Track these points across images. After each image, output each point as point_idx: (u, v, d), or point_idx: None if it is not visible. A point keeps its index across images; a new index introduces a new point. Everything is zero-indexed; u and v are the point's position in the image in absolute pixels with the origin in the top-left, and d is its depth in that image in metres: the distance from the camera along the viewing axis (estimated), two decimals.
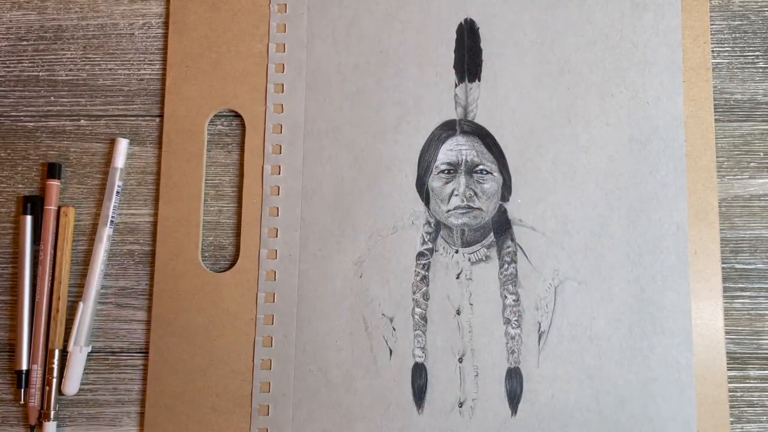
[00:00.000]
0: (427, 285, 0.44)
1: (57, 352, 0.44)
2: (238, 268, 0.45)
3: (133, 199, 0.46)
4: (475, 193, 0.45)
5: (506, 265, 0.44)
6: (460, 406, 0.43)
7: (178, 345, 0.44)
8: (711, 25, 0.46)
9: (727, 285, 0.44)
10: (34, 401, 0.43)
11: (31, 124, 0.47)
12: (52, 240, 0.45)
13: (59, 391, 0.44)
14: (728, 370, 0.43)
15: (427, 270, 0.44)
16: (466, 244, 0.44)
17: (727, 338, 0.44)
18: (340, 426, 0.43)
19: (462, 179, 0.45)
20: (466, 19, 0.46)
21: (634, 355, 0.43)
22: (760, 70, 0.46)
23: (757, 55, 0.46)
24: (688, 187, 0.44)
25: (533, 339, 0.43)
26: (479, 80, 0.46)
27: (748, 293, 0.44)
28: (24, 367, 0.44)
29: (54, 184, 0.46)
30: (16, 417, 0.44)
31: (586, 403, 0.43)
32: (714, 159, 0.45)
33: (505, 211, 0.44)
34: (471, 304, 0.44)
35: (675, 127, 0.45)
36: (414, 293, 0.44)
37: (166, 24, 0.47)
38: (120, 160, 0.46)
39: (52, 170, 0.46)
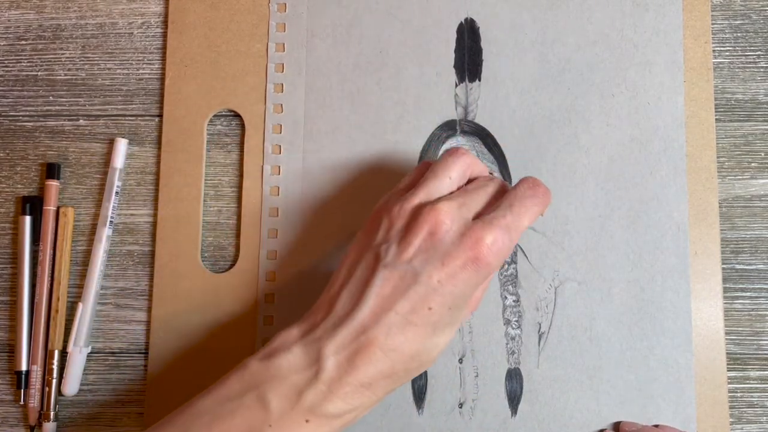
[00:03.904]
0: None
1: (57, 353, 0.44)
2: (238, 268, 0.44)
3: (133, 199, 0.46)
4: None
5: (506, 266, 0.44)
6: (460, 407, 0.43)
7: (178, 345, 0.44)
8: (712, 24, 0.46)
9: (727, 285, 0.44)
10: (34, 402, 0.43)
11: (30, 124, 0.47)
12: (52, 240, 0.45)
13: (59, 392, 0.44)
14: (728, 370, 0.43)
15: None
16: None
17: (727, 339, 0.44)
18: None
19: None
20: (466, 19, 0.46)
21: (634, 356, 0.43)
22: (762, 70, 0.46)
23: (759, 55, 0.46)
24: (689, 188, 0.44)
25: (533, 340, 0.43)
26: (479, 80, 0.45)
27: (748, 294, 0.44)
28: (23, 367, 0.44)
29: (53, 184, 0.45)
30: (15, 418, 0.44)
31: (586, 403, 0.43)
32: (715, 159, 0.44)
33: None
34: None
35: (676, 127, 0.45)
36: None
37: (165, 23, 0.47)
38: (119, 160, 0.46)
39: (51, 170, 0.46)
